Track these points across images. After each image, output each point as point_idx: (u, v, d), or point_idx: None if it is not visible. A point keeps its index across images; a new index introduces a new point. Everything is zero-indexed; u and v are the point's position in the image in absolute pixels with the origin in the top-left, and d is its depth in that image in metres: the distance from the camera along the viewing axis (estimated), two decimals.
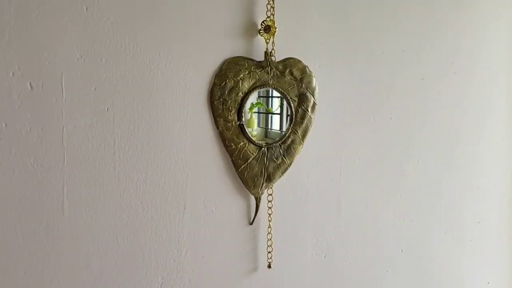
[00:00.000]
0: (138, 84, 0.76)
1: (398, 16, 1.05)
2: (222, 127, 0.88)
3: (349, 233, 1.03)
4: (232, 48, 0.88)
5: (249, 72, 0.89)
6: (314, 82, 0.95)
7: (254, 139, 0.91)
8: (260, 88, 0.90)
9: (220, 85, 0.87)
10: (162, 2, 0.77)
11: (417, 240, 1.13)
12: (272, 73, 0.91)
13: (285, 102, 0.94)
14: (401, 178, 1.12)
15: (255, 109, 0.91)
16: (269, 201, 0.94)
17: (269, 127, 0.95)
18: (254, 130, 0.92)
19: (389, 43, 1.05)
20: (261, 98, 0.94)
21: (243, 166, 0.91)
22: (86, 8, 0.69)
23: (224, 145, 0.89)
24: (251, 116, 0.90)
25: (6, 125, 0.64)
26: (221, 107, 0.88)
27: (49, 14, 0.66)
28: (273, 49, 0.91)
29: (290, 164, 0.95)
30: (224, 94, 0.88)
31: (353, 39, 1.00)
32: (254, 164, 0.92)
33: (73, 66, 0.69)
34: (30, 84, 0.65)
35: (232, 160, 0.90)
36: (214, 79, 0.87)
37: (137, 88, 0.76)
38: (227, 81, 0.88)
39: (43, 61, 0.66)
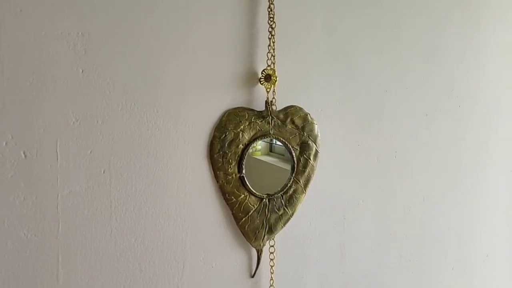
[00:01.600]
0: (136, 143, 0.74)
1: (401, 53, 1.04)
2: (222, 181, 0.86)
3: (354, 278, 1.00)
4: (232, 98, 0.87)
5: (250, 123, 0.88)
6: (316, 130, 0.94)
7: (257, 154, 0.89)
8: (261, 139, 0.88)
9: (220, 137, 0.85)
10: (158, 57, 0.76)
11: (424, 280, 1.11)
12: (273, 122, 0.89)
13: (286, 151, 0.92)
14: (406, 217, 1.10)
15: None
16: (271, 253, 0.92)
17: (274, 141, 0.93)
18: (258, 144, 0.90)
19: (392, 81, 1.03)
20: None
21: (244, 219, 0.88)
22: (82, 71, 0.67)
23: (224, 198, 0.87)
24: None
25: None
26: (221, 160, 0.86)
27: (43, 80, 0.64)
28: (273, 97, 0.89)
29: (293, 214, 0.93)
30: (224, 147, 0.86)
31: (355, 80, 0.98)
32: (255, 216, 0.89)
33: (69, 131, 0.67)
34: (23, 152, 0.64)
35: (232, 214, 0.88)
36: (214, 131, 0.85)
37: (135, 147, 0.74)
38: (227, 133, 0.86)
39: (38, 128, 0.64)
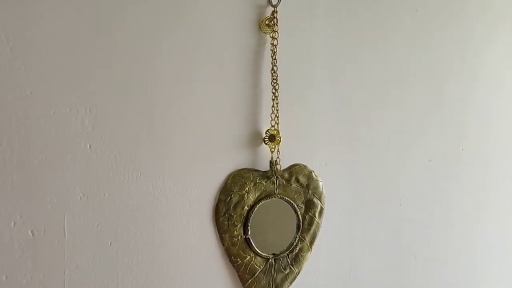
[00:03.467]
0: (142, 213, 0.74)
1: (403, 99, 1.05)
2: (228, 243, 0.86)
3: None
4: (236, 160, 0.87)
5: (255, 184, 0.88)
6: (321, 187, 0.94)
7: None
8: (266, 199, 0.89)
9: (225, 200, 0.86)
10: (162, 124, 0.77)
11: None
12: (278, 182, 0.90)
13: (292, 210, 0.92)
14: (413, 264, 1.10)
15: None
16: None
17: None
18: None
19: (395, 128, 1.04)
20: None
21: (250, 280, 0.88)
22: (90, 146, 0.68)
23: (230, 260, 0.87)
24: None
25: (6, 277, 0.62)
26: (226, 223, 0.86)
27: (52, 158, 0.65)
28: (278, 157, 0.90)
29: (299, 272, 0.93)
30: (230, 210, 0.86)
31: (359, 131, 0.98)
32: (262, 277, 0.89)
33: (76, 206, 0.68)
34: (31, 231, 0.64)
35: (238, 275, 0.88)
36: (219, 194, 0.86)
37: (141, 217, 0.74)
38: (232, 195, 0.86)
39: (45, 206, 0.65)
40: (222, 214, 0.86)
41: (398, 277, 1.08)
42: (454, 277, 1.14)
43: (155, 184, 0.77)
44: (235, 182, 0.87)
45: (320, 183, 0.94)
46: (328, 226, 0.91)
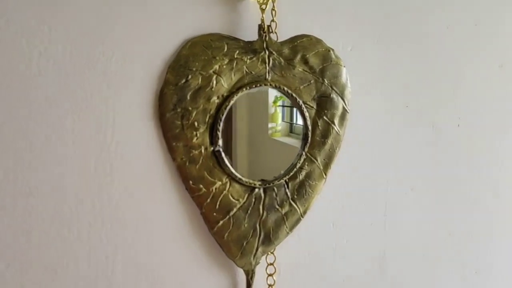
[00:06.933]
0: None
1: None
2: (182, 158, 0.51)
3: None
4: (200, 19, 0.52)
5: (231, 61, 0.52)
6: (344, 76, 0.57)
7: (277, 135, 0.59)
8: (250, 88, 0.52)
9: (176, 84, 0.50)
10: None
11: None
12: (271, 61, 0.53)
13: (295, 111, 0.55)
14: (476, 211, 0.74)
15: (280, 102, 0.62)
16: (270, 275, 0.58)
17: (294, 121, 0.63)
18: (278, 125, 0.62)
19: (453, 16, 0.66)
20: None
21: (221, 222, 0.53)
22: None
23: (187, 188, 0.52)
24: (275, 110, 0.62)
25: None
26: (179, 122, 0.50)
27: None
28: (273, 20, 0.53)
29: (305, 212, 0.57)
30: (185, 101, 0.50)
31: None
32: (242, 218, 0.54)
33: None
34: None
35: (202, 213, 0.53)
36: (167, 74, 0.49)
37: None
38: (190, 76, 0.50)
39: None
40: (171, 107, 0.50)
41: (452, 230, 0.74)
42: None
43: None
44: (195, 54, 0.50)
45: (343, 70, 0.57)
46: (354, 144, 0.62)
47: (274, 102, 0.63)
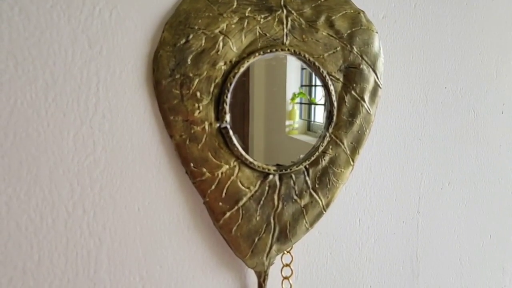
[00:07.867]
0: None
1: None
2: (181, 135, 0.42)
3: None
4: None
5: (241, 19, 0.43)
6: (377, 44, 0.48)
7: (294, 133, 0.51)
8: (264, 54, 0.43)
9: (175, 45, 0.41)
10: None
11: None
12: (289, 22, 0.44)
13: (318, 84, 0.46)
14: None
15: (297, 100, 0.56)
16: (285, 278, 0.50)
17: (312, 119, 0.56)
18: (295, 122, 0.55)
19: None
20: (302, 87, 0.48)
21: (228, 213, 0.44)
22: None
23: (187, 172, 0.43)
24: (292, 108, 0.56)
25: None
26: (177, 91, 0.41)
27: None
28: None
29: (328, 204, 0.49)
30: (185, 65, 0.41)
31: None
32: (253, 209, 0.45)
33: None
34: None
35: (205, 203, 0.44)
36: (163, 32, 0.41)
37: None
38: (191, 36, 0.41)
39: None
40: (168, 73, 0.41)
41: (492, 232, 0.68)
42: None
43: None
44: (198, 10, 0.42)
45: (376, 37, 0.48)
46: (386, 127, 0.56)
47: (292, 99, 0.56)
